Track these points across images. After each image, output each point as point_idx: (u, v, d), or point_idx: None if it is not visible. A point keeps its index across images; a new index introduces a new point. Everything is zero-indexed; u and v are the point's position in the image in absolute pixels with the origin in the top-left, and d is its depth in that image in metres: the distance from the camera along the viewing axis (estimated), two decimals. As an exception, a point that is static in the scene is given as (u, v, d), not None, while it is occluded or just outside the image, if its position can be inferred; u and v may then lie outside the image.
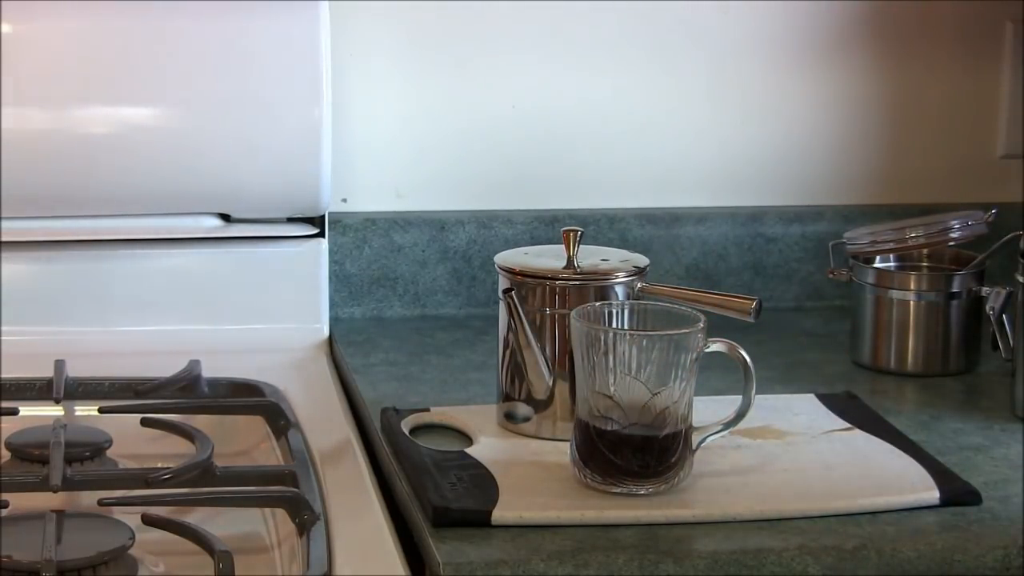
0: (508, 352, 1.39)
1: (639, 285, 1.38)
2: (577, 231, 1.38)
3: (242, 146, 1.62)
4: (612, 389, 1.25)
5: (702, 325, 1.26)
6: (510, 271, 1.38)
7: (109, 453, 1.38)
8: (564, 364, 1.37)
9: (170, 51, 1.60)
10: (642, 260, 1.40)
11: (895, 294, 1.61)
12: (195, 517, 1.24)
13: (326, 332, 1.69)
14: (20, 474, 1.32)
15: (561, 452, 1.31)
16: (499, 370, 1.41)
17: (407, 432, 1.39)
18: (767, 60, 1.82)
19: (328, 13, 1.64)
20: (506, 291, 1.37)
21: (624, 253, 1.43)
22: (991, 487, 1.31)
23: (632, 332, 1.27)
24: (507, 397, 1.40)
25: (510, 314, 1.37)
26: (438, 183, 1.79)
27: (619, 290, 1.37)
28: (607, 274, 1.37)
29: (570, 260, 1.38)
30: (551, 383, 1.37)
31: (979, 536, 1.23)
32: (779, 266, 1.83)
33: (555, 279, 1.37)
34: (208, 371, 1.51)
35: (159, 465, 1.32)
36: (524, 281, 1.37)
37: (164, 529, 1.20)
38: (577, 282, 1.37)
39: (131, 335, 1.64)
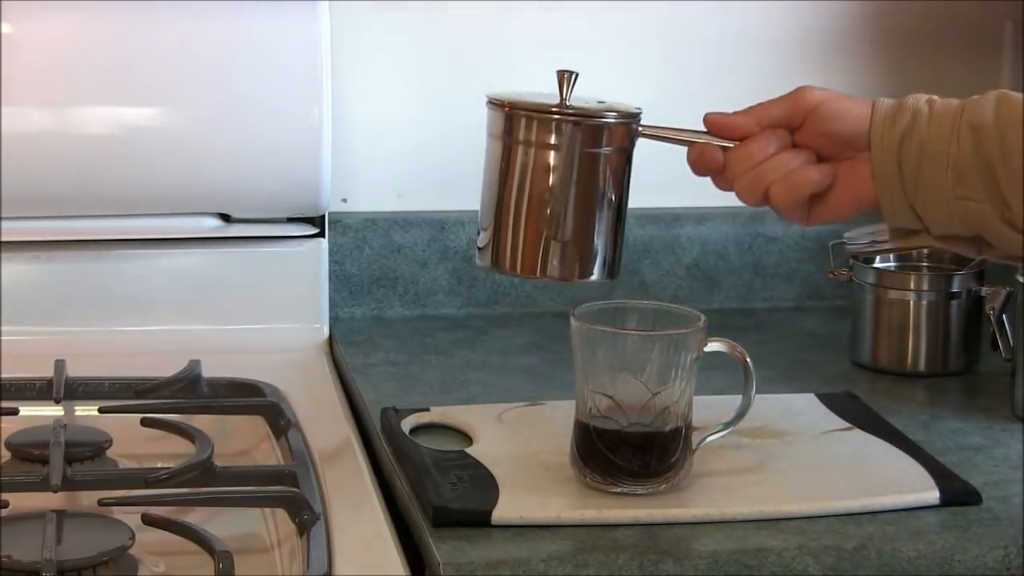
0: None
1: (639, 127, 1.31)
2: (572, 73, 1.32)
3: (242, 146, 1.62)
4: (612, 389, 1.25)
5: (702, 325, 1.26)
6: (500, 105, 1.31)
7: (109, 453, 1.38)
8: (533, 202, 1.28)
9: (170, 51, 1.60)
10: (634, 108, 1.32)
11: (895, 294, 1.61)
12: (195, 517, 1.24)
13: (326, 332, 1.68)
14: (20, 474, 1.31)
15: (561, 452, 1.31)
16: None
17: (407, 432, 1.39)
18: (767, 60, 1.82)
19: (328, 13, 1.64)
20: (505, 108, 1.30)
21: (617, 103, 1.34)
22: (991, 487, 1.31)
23: (632, 332, 1.27)
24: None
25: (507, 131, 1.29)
26: (438, 183, 1.79)
27: (616, 132, 1.31)
28: (599, 114, 1.30)
29: (562, 101, 1.31)
30: (495, 212, 1.28)
31: (979, 536, 1.23)
32: (779, 266, 1.83)
33: (548, 113, 1.29)
34: (208, 371, 1.51)
35: (159, 465, 1.32)
36: (515, 114, 1.30)
37: (164, 529, 1.20)
38: (572, 118, 1.29)
39: (131, 335, 1.64)
